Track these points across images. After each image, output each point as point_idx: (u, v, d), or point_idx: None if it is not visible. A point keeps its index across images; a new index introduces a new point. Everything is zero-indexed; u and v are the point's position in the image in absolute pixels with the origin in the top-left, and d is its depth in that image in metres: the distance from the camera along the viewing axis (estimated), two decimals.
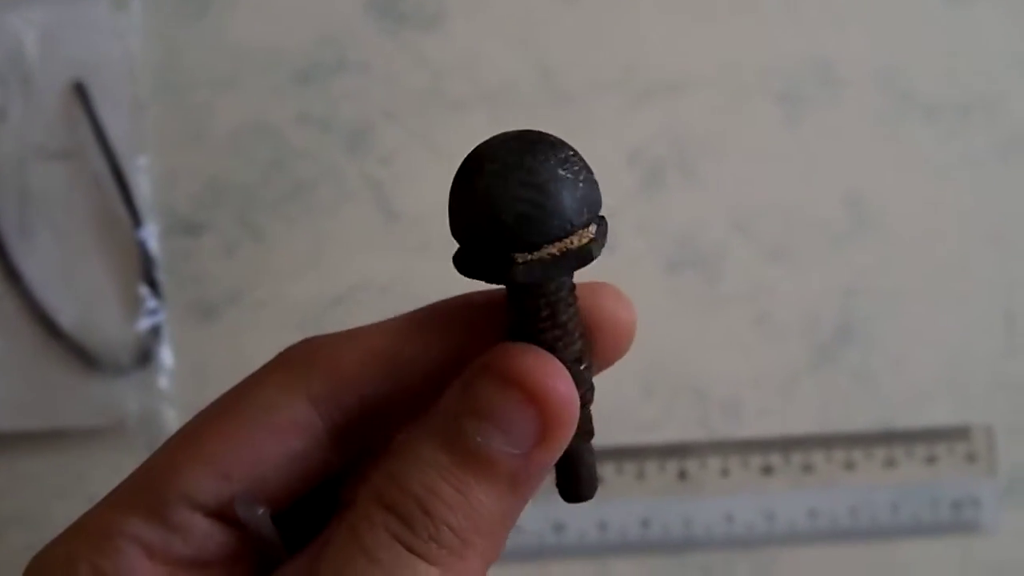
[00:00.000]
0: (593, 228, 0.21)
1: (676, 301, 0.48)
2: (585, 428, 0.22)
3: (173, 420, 0.46)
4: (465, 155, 0.21)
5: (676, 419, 0.47)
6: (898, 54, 0.49)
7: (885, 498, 0.47)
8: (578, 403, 0.21)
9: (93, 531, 0.22)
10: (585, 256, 0.21)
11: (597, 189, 0.22)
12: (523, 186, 0.20)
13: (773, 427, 0.47)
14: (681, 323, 0.48)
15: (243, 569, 0.23)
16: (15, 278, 0.45)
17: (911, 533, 0.47)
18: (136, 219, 0.46)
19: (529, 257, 0.21)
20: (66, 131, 0.46)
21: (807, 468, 0.47)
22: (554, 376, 0.20)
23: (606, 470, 0.46)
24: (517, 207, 0.20)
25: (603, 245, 0.22)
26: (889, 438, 0.48)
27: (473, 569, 0.20)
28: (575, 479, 0.23)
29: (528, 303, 0.21)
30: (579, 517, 0.46)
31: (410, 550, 0.20)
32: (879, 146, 0.48)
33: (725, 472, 0.47)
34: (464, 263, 0.21)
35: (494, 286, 0.22)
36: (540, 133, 0.21)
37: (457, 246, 0.22)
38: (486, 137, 0.21)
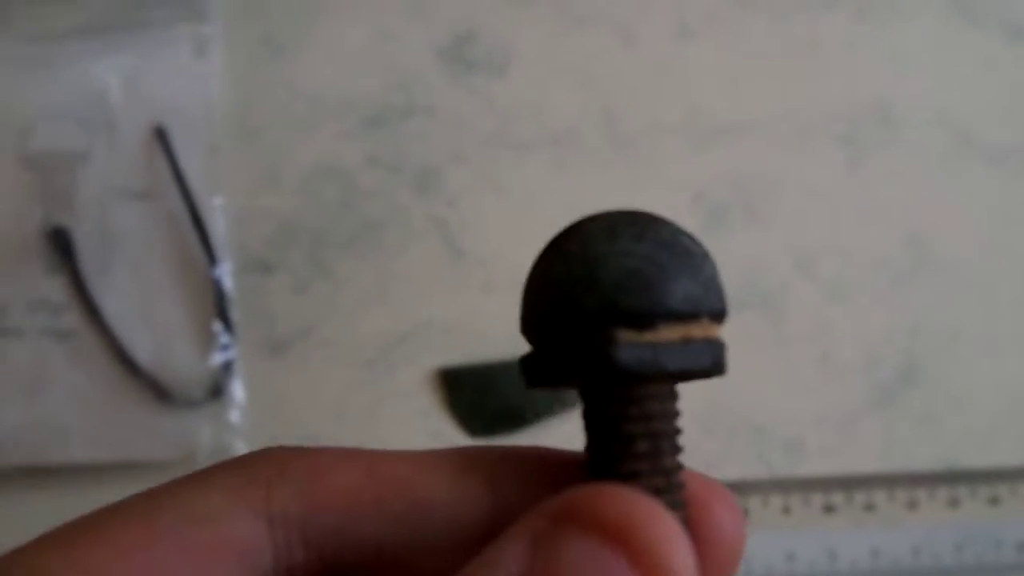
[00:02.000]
0: (719, 328, 0.17)
1: (738, 340, 0.48)
2: None
3: (243, 452, 0.47)
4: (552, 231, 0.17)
5: (737, 457, 0.48)
6: (959, 96, 0.49)
7: (948, 538, 0.47)
8: None
9: None
10: (718, 356, 0.16)
11: (723, 290, 0.17)
12: (637, 241, 0.16)
13: (835, 466, 0.48)
14: (743, 362, 0.48)
15: None
16: (95, 314, 0.46)
17: (975, 574, 0.47)
18: (211, 258, 0.47)
19: (636, 337, 0.15)
20: (146, 173, 0.48)
21: (869, 507, 0.47)
22: (674, 536, 0.14)
23: None
24: (625, 263, 0.15)
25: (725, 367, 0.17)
26: (952, 478, 0.48)
27: None
28: None
29: (621, 419, 0.16)
30: None
31: None
32: (940, 188, 0.49)
33: (787, 510, 0.47)
34: (536, 365, 0.16)
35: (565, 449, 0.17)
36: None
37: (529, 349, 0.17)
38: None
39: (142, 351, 0.47)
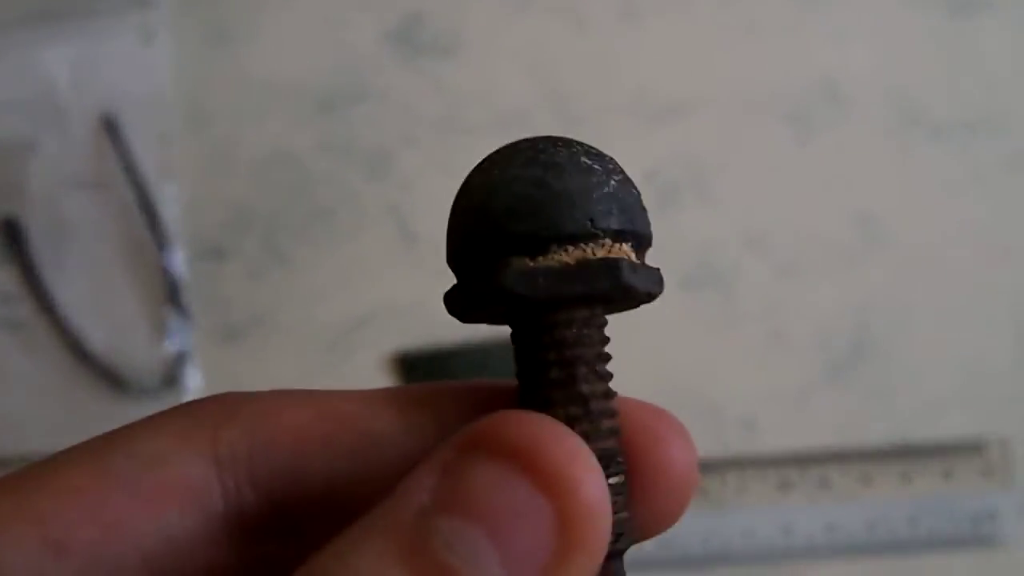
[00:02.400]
0: (629, 249, 0.16)
1: (691, 319, 0.49)
2: (616, 535, 0.16)
3: None
4: None
5: (693, 436, 0.48)
6: (904, 73, 0.49)
7: (902, 512, 0.48)
8: (611, 516, 0.14)
9: None
10: (616, 277, 0.15)
11: (640, 204, 0.16)
12: (528, 165, 0.15)
13: (789, 443, 0.48)
14: (696, 341, 0.49)
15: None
16: (48, 304, 0.46)
17: (929, 547, 0.48)
18: (163, 245, 0.47)
19: (529, 263, 0.15)
20: (97, 162, 0.48)
21: (824, 483, 0.48)
22: (579, 456, 0.14)
23: None
24: (514, 188, 0.15)
25: (655, 286, 0.16)
26: (905, 452, 0.48)
27: None
28: None
29: (534, 347, 0.15)
30: None
31: None
32: (887, 164, 0.49)
33: (743, 488, 0.48)
34: (454, 298, 0.16)
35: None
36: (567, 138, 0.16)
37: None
38: None
39: (96, 340, 0.47)
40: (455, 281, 0.17)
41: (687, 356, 0.48)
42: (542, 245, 0.15)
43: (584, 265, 0.15)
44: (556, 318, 0.15)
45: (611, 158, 0.17)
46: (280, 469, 0.16)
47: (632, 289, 0.16)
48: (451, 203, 0.17)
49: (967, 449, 0.48)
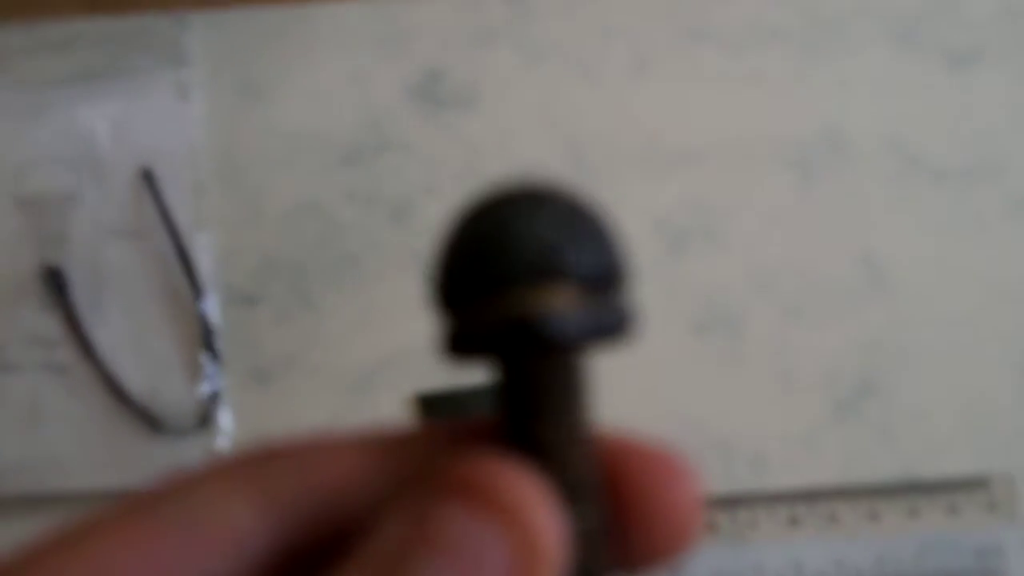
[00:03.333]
0: (552, 295, 0.16)
1: (702, 360, 0.51)
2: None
3: None
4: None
5: (704, 472, 0.50)
6: (904, 122, 0.52)
7: (909, 547, 0.49)
8: (565, 551, 0.15)
9: None
10: (535, 332, 0.15)
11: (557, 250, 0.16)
12: (474, 225, 0.17)
13: (798, 479, 0.50)
14: (707, 381, 0.50)
15: None
16: (89, 348, 0.49)
17: None
18: (198, 292, 0.49)
19: (461, 316, 0.16)
20: (134, 213, 0.50)
21: (832, 519, 0.49)
22: (534, 502, 0.15)
23: None
24: (459, 249, 0.16)
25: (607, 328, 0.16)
26: (911, 488, 0.50)
27: None
28: None
29: (498, 391, 0.17)
30: None
31: None
32: (890, 208, 0.51)
33: (753, 524, 0.49)
34: (465, 334, 0.17)
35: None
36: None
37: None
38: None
39: (133, 382, 0.49)
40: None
41: (699, 396, 0.50)
42: (467, 299, 0.16)
43: (507, 316, 0.16)
44: (510, 364, 0.16)
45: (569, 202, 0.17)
46: (318, 510, 0.17)
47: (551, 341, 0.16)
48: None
49: (972, 485, 0.50)
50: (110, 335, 0.49)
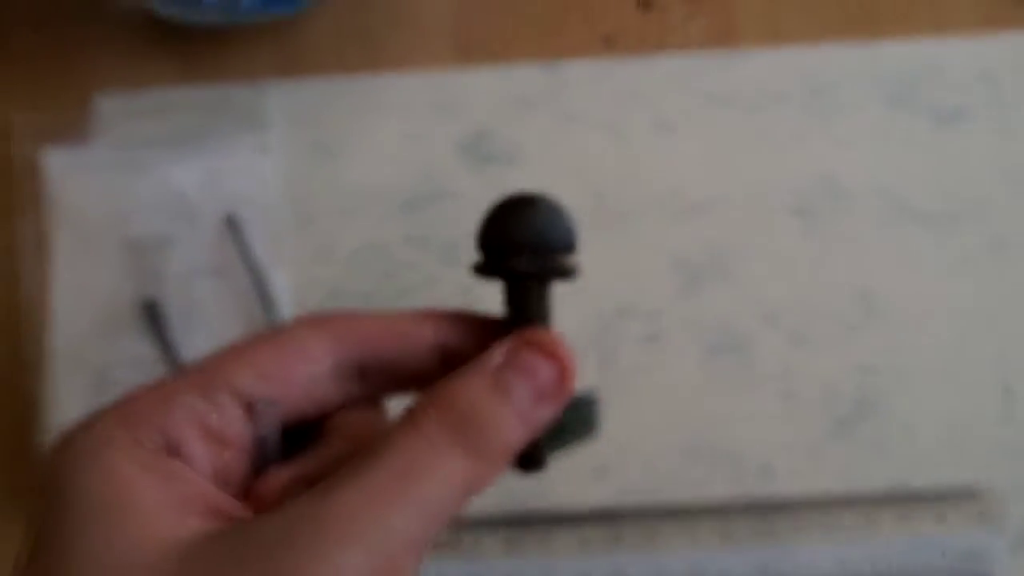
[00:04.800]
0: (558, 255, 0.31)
1: (715, 381, 0.57)
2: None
3: None
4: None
5: (718, 480, 0.56)
6: (896, 171, 0.58)
7: (902, 550, 0.55)
8: (575, 378, 0.29)
9: (150, 398, 0.27)
10: (570, 273, 0.31)
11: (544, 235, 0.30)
12: (530, 215, 0.31)
13: (801, 486, 0.56)
14: (720, 399, 0.57)
15: (244, 458, 0.28)
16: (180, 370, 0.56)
17: None
18: (275, 323, 0.57)
19: (527, 260, 0.30)
20: (220, 254, 0.58)
21: (833, 523, 0.55)
22: (570, 354, 0.29)
23: (660, 526, 0.55)
24: (525, 226, 0.30)
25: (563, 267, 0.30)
26: (903, 497, 0.56)
27: (489, 474, 0.27)
28: (534, 458, 0.30)
29: (527, 297, 0.30)
30: (638, 566, 0.55)
31: (459, 443, 0.26)
32: (883, 248, 0.58)
33: (762, 528, 0.55)
34: (481, 268, 0.31)
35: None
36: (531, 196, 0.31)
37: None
38: None
39: None
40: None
41: (712, 412, 0.57)
42: (536, 253, 0.30)
43: (545, 264, 0.30)
44: (530, 285, 0.30)
45: (550, 204, 0.31)
46: (358, 346, 0.29)
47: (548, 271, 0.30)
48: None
49: (959, 495, 0.56)
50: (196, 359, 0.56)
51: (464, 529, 0.55)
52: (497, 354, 0.28)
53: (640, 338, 0.57)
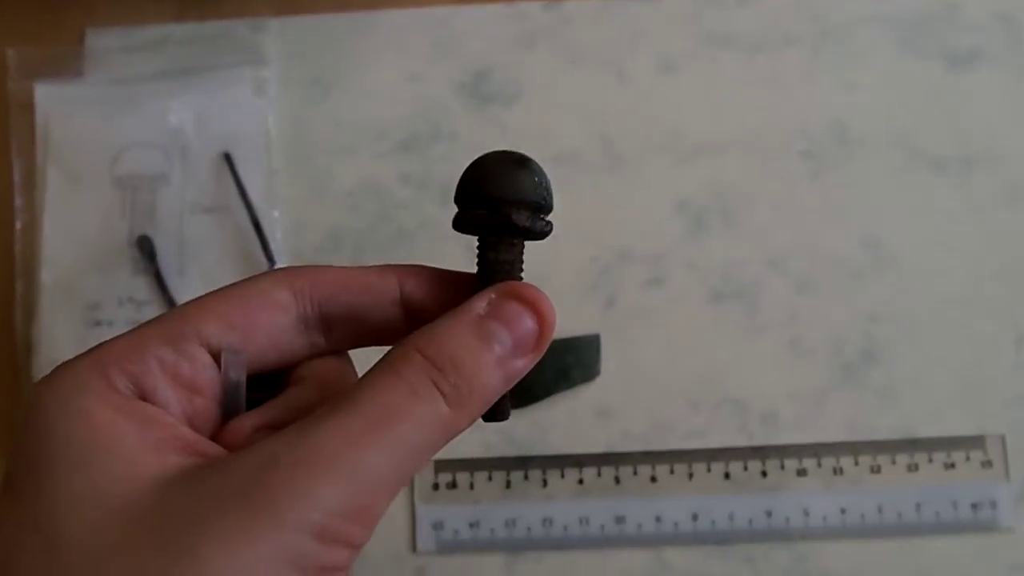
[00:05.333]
0: (528, 212, 0.30)
1: (720, 328, 0.56)
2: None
3: None
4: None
5: (721, 428, 0.55)
6: (906, 115, 0.57)
7: (909, 498, 0.54)
8: (554, 330, 0.29)
9: (122, 346, 0.28)
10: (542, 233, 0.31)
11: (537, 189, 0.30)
12: (530, 174, 0.31)
13: (806, 436, 0.55)
14: (724, 346, 0.56)
15: (212, 406, 0.29)
16: (173, 306, 0.55)
17: (934, 530, 0.53)
18: (270, 260, 0.56)
19: (527, 214, 0.30)
20: (215, 191, 0.57)
21: (837, 471, 0.54)
22: (550, 306, 0.29)
23: (661, 471, 0.54)
24: (492, 175, 0.31)
25: (537, 227, 0.30)
26: (911, 446, 0.54)
27: (466, 419, 0.28)
28: (500, 408, 0.30)
29: (502, 251, 0.30)
30: (638, 511, 0.54)
31: (438, 387, 0.27)
32: (892, 195, 0.56)
33: (764, 474, 0.54)
34: (460, 221, 0.31)
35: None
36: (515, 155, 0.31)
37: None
38: (555, 192, 0.31)
39: None
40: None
41: (718, 359, 0.55)
42: (531, 207, 0.30)
43: (534, 219, 0.30)
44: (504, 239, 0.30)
45: (534, 167, 0.31)
46: (323, 298, 0.30)
47: (520, 228, 0.30)
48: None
49: (968, 444, 0.54)
50: (192, 297, 0.55)
51: (463, 472, 0.54)
52: (480, 303, 0.29)
53: (643, 282, 0.56)
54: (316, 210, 0.57)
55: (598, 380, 0.55)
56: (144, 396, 0.28)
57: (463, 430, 0.28)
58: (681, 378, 0.55)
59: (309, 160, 0.58)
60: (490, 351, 0.28)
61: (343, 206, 0.57)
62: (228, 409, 0.29)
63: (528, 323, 0.29)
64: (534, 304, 0.29)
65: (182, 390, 0.28)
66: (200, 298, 0.29)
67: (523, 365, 0.29)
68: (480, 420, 0.29)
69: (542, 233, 0.31)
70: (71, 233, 0.56)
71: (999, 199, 0.56)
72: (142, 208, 0.56)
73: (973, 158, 0.57)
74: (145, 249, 0.56)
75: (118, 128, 0.57)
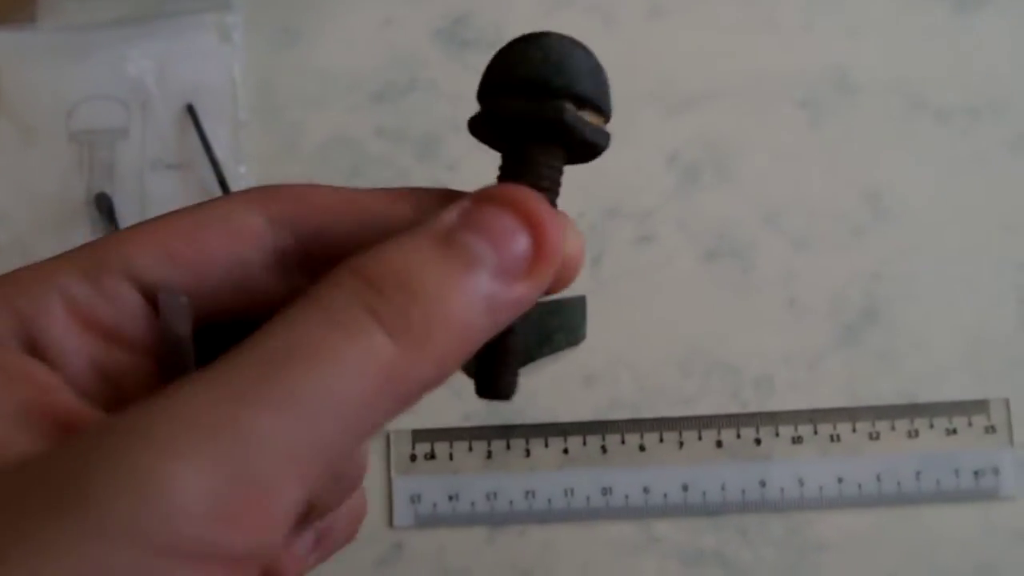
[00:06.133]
0: (591, 113, 0.23)
1: (713, 287, 0.53)
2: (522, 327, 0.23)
3: None
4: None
5: (713, 394, 0.52)
6: (909, 62, 0.54)
7: (909, 466, 0.51)
8: (561, 254, 0.21)
9: (23, 277, 0.21)
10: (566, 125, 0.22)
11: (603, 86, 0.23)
12: (585, 56, 0.23)
13: (802, 401, 0.52)
14: (717, 307, 0.53)
15: (148, 364, 0.21)
16: None
17: (934, 499, 0.51)
18: None
19: (579, 113, 0.22)
20: (178, 146, 0.54)
21: (834, 438, 0.52)
22: (552, 217, 0.21)
23: (650, 440, 0.52)
24: (581, 63, 0.23)
25: (598, 139, 0.23)
26: (911, 411, 0.52)
27: (426, 365, 0.19)
28: (500, 379, 0.23)
29: (541, 158, 0.23)
30: (625, 482, 0.51)
31: (375, 316, 0.19)
32: (894, 146, 0.53)
33: (758, 442, 0.52)
34: (482, 123, 0.23)
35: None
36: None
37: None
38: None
39: None
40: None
41: (710, 321, 0.53)
42: (592, 104, 0.23)
43: (596, 126, 0.23)
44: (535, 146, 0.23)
45: (590, 52, 0.23)
46: (309, 227, 0.22)
47: (574, 132, 0.22)
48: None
49: (970, 409, 0.52)
50: None
51: (442, 442, 0.52)
52: (450, 213, 0.20)
53: (632, 240, 0.53)
54: (285, 166, 0.54)
55: (584, 344, 0.52)
56: (31, 342, 0.21)
57: (427, 383, 0.20)
58: (671, 342, 0.53)
59: (278, 112, 0.55)
60: (463, 270, 0.20)
61: (314, 161, 0.54)
62: (168, 369, 0.22)
63: (518, 237, 0.20)
64: (523, 208, 0.21)
65: (94, 338, 0.21)
66: (139, 224, 0.22)
67: (515, 297, 0.20)
68: (469, 385, 0.23)
69: (594, 147, 0.23)
70: (25, 191, 0.53)
71: (1005, 150, 0.53)
72: (100, 164, 0.53)
73: (978, 107, 0.54)
74: (103, 208, 0.52)
75: (74, 79, 0.54)
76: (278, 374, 0.18)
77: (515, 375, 0.23)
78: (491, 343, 0.21)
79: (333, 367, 0.18)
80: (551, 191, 0.23)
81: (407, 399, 0.19)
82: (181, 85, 0.54)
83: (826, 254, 0.53)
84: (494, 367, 0.23)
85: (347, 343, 0.18)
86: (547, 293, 0.22)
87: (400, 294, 0.19)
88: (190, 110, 0.54)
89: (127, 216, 0.53)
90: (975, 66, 0.54)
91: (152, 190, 0.53)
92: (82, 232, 0.52)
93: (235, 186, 0.53)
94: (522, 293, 0.21)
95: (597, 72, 0.23)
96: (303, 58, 0.55)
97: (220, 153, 0.53)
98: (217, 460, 0.17)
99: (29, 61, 0.54)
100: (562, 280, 0.22)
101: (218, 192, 0.52)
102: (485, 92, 0.23)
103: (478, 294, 0.20)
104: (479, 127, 0.23)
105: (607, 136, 0.23)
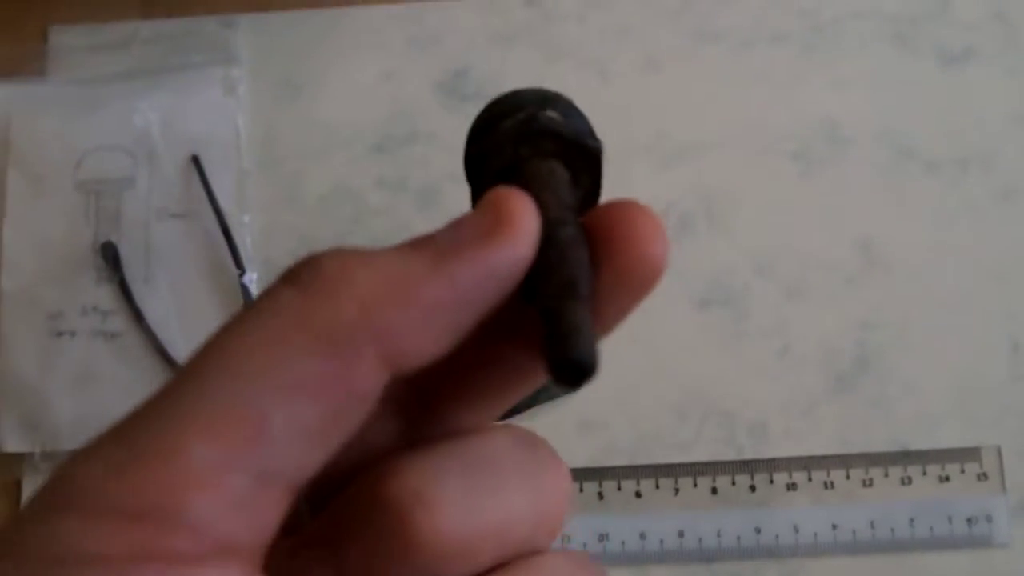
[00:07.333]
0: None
1: (706, 335, 0.54)
2: (570, 281, 0.21)
3: None
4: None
5: (708, 440, 0.53)
6: (898, 115, 0.55)
7: (902, 513, 0.52)
8: (534, 228, 0.20)
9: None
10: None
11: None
12: (554, 108, 0.25)
13: (796, 448, 0.53)
14: (711, 355, 0.54)
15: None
16: (139, 318, 0.53)
17: (928, 546, 0.52)
18: (240, 268, 0.53)
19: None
20: (183, 195, 0.55)
21: (828, 485, 0.52)
22: (514, 194, 0.20)
23: (646, 486, 0.52)
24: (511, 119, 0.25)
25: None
26: (904, 458, 0.52)
27: (350, 304, 0.19)
28: (562, 340, 0.19)
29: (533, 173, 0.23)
30: (621, 528, 0.52)
31: (292, 278, 0.20)
32: (884, 196, 0.54)
33: (753, 488, 0.52)
34: (474, 160, 0.25)
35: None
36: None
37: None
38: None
39: (179, 349, 0.53)
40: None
41: (704, 368, 0.53)
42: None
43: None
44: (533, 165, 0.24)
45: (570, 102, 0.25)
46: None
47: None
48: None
49: (963, 456, 0.52)
50: (159, 305, 0.53)
51: None
52: (437, 234, 0.21)
53: None
54: (288, 215, 0.55)
55: (580, 391, 0.53)
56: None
57: (362, 386, 0.19)
58: (666, 389, 0.53)
59: (280, 163, 0.56)
60: (418, 246, 0.20)
61: (316, 211, 0.55)
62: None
63: (475, 216, 0.20)
64: (489, 196, 0.21)
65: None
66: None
67: (464, 253, 0.20)
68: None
69: (583, 148, 0.24)
70: (33, 239, 0.54)
71: (993, 200, 0.54)
72: (107, 213, 0.54)
73: (967, 158, 0.55)
74: (110, 256, 0.53)
75: (82, 130, 0.55)
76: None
77: (589, 342, 0.19)
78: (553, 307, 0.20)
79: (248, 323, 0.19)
80: (551, 194, 0.22)
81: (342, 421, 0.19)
82: (187, 136, 0.55)
83: (818, 303, 0.54)
84: (557, 336, 0.20)
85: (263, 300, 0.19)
86: (624, 295, 0.22)
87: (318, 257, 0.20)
88: (195, 160, 0.55)
89: (133, 264, 0.54)
90: (963, 118, 0.55)
91: (157, 239, 0.54)
92: (88, 280, 0.53)
93: (239, 235, 0.54)
94: (474, 255, 0.20)
95: (571, 103, 0.25)
96: (305, 110, 0.56)
97: (224, 203, 0.54)
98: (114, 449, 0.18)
99: (39, 113, 0.55)
100: (640, 278, 0.22)
101: (222, 241, 0.53)
102: (472, 139, 0.26)
103: (426, 251, 0.20)
104: (475, 161, 0.25)
105: (592, 132, 0.25)
